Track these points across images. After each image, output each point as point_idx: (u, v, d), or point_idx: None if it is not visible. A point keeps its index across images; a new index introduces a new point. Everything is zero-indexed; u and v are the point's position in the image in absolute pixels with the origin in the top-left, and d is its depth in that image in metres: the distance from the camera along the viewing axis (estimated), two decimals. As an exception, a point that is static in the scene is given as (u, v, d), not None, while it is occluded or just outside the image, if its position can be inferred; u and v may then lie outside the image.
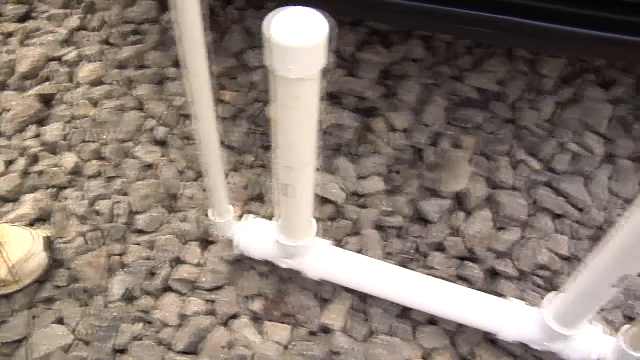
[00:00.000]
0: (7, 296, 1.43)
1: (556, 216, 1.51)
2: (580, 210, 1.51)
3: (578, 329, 1.16)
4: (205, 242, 1.50)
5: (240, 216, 1.40)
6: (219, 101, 1.72)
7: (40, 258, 1.43)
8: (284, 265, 1.33)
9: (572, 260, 1.44)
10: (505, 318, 1.24)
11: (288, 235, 1.23)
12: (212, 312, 1.40)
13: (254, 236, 1.33)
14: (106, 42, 1.94)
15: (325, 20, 0.82)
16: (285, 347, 1.35)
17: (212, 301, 1.41)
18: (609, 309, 1.40)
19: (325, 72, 1.64)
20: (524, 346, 1.31)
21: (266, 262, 1.39)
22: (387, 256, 1.45)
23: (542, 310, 1.18)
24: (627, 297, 1.41)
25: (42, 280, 1.45)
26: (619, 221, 0.91)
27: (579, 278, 1.06)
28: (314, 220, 1.26)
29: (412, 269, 1.41)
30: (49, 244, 1.47)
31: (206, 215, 1.48)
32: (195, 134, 1.11)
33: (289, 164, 1.02)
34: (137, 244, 1.50)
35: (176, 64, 1.81)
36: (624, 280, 0.97)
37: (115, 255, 1.48)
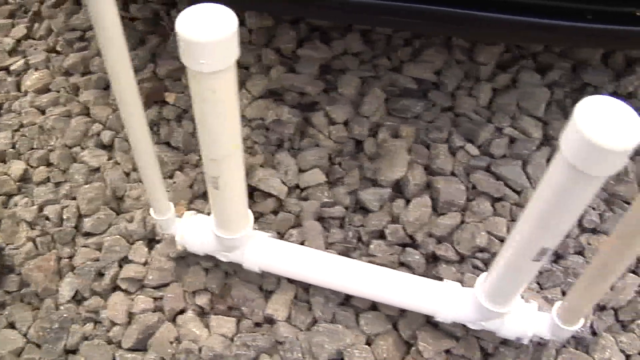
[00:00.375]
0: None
1: (495, 199, 1.54)
2: (519, 192, 1.55)
3: (510, 306, 1.20)
4: (152, 241, 1.52)
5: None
6: (163, 103, 1.74)
7: None
8: (224, 259, 1.36)
9: (510, 241, 1.47)
10: (441, 300, 1.27)
11: (224, 228, 1.26)
12: (159, 309, 1.43)
13: (195, 232, 1.36)
14: (53, 50, 1.96)
15: (233, 15, 0.85)
16: (231, 340, 1.38)
17: (160, 298, 1.44)
18: (548, 288, 1.44)
19: (266, 70, 1.68)
20: (465, 328, 1.35)
21: (210, 258, 1.41)
22: (330, 246, 1.48)
23: (475, 290, 1.22)
24: (565, 275, 1.45)
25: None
26: (532, 196, 0.95)
27: (503, 255, 1.09)
28: (250, 213, 1.29)
29: (355, 258, 1.45)
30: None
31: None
32: (128, 137, 1.14)
33: (214, 157, 1.05)
34: (85, 247, 1.52)
35: (121, 68, 1.83)
36: (543, 254, 1.00)
37: (64, 258, 1.51)
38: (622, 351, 1.38)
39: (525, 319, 1.25)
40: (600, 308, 1.42)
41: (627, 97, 1.77)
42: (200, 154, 1.61)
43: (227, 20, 0.84)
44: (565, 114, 1.69)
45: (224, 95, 0.93)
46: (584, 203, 0.87)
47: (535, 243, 0.99)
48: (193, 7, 0.86)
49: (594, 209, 1.54)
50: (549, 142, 1.63)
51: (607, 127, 0.74)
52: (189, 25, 0.83)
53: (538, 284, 1.45)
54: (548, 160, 1.59)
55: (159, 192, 1.26)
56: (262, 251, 1.33)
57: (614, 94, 1.77)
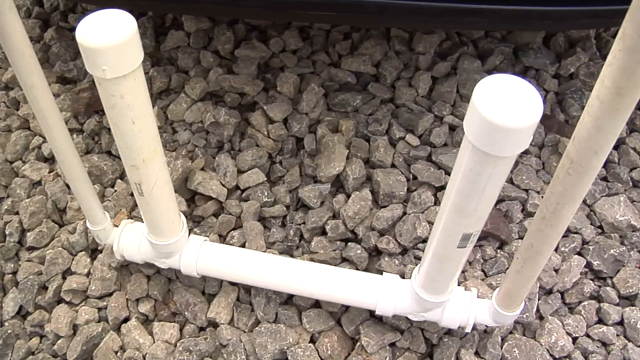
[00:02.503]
0: None
1: (437, 189, 1.54)
2: (460, 180, 1.55)
3: (447, 295, 1.20)
4: (94, 251, 1.52)
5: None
6: (103, 112, 1.73)
7: None
8: (163, 266, 1.35)
9: (452, 230, 1.47)
10: (380, 294, 1.27)
11: (156, 235, 1.25)
12: (103, 319, 1.43)
13: (131, 240, 1.35)
14: (-8, 64, 1.96)
15: (132, 19, 0.85)
16: (175, 345, 1.38)
17: (103, 308, 1.44)
18: (493, 274, 1.44)
19: (204, 73, 1.67)
20: (409, 321, 1.35)
21: (151, 265, 1.41)
22: (271, 246, 1.48)
23: (412, 281, 1.22)
24: (510, 261, 1.45)
25: None
26: (448, 184, 0.95)
27: (430, 245, 1.09)
28: (182, 217, 1.29)
29: (297, 256, 1.45)
30: None
31: (93, 225, 1.51)
32: (51, 148, 1.14)
33: (132, 163, 1.04)
34: (29, 261, 1.52)
35: (60, 80, 1.83)
36: (467, 239, 1.00)
37: (8, 274, 1.50)
38: (569, 334, 1.39)
39: (465, 307, 1.25)
40: (547, 292, 1.43)
41: (570, 78, 1.77)
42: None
43: (125, 24, 0.84)
44: (507, 98, 1.69)
45: (133, 99, 0.93)
46: (497, 185, 0.88)
47: (456, 230, 0.99)
48: (93, 13, 0.86)
49: (537, 192, 1.55)
50: (491, 127, 1.63)
51: (506, 106, 0.74)
52: (88, 31, 0.83)
53: (483, 271, 1.46)
54: (489, 146, 1.59)
55: (92, 203, 1.26)
56: (198, 255, 1.33)
57: (556, 75, 1.77)
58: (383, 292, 1.27)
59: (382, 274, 1.33)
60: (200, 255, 1.33)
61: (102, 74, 0.86)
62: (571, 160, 0.81)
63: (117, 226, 1.38)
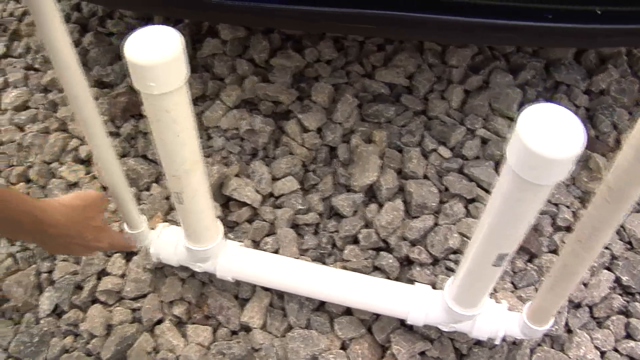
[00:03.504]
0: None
1: (468, 201, 1.56)
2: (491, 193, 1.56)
3: (478, 309, 1.21)
4: (129, 253, 1.54)
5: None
6: (140, 116, 1.76)
7: None
8: (198, 270, 1.38)
9: (483, 242, 1.49)
10: (412, 303, 1.28)
11: (193, 240, 1.28)
12: (137, 320, 1.45)
13: (167, 244, 1.37)
14: (31, 67, 1.99)
15: (179, 36, 0.87)
16: (208, 348, 1.40)
17: (137, 309, 1.46)
18: (523, 287, 1.46)
19: (239, 80, 1.70)
20: (439, 330, 1.36)
21: (186, 268, 1.43)
22: (304, 253, 1.50)
23: (444, 293, 1.23)
24: (539, 274, 1.46)
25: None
26: (487, 204, 0.97)
27: (465, 260, 1.11)
28: (219, 223, 1.31)
29: (329, 264, 1.47)
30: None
31: (128, 227, 1.53)
32: (93, 154, 1.16)
33: (174, 173, 1.06)
34: (64, 261, 1.54)
35: (98, 84, 1.86)
36: (502, 259, 1.02)
37: (44, 273, 1.53)
38: (597, 348, 1.40)
39: (495, 320, 1.26)
40: (575, 305, 1.44)
41: (600, 95, 1.78)
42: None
43: (173, 41, 0.86)
44: (538, 113, 1.70)
45: (178, 114, 0.95)
46: (535, 210, 0.89)
47: (492, 250, 1.00)
48: (141, 30, 0.88)
49: (567, 207, 1.56)
50: (522, 142, 1.65)
51: (549, 136, 0.75)
52: (136, 48, 0.85)
53: (512, 283, 1.47)
54: (521, 160, 1.61)
55: (130, 206, 1.28)
56: (234, 261, 1.35)
57: (587, 92, 1.78)
58: (415, 302, 1.28)
59: (413, 283, 1.35)
60: (236, 261, 1.35)
61: (149, 90, 0.89)
62: (610, 189, 0.82)
63: (153, 229, 1.40)
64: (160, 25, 0.89)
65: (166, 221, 1.56)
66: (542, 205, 0.88)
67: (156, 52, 0.85)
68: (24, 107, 1.87)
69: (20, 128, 1.82)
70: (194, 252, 1.30)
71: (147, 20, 1.98)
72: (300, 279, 1.35)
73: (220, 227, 1.31)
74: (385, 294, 1.31)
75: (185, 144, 1.02)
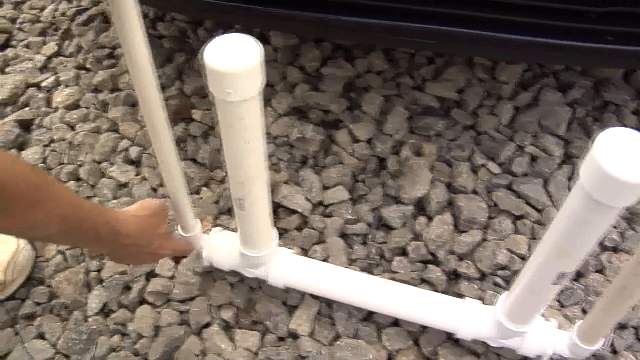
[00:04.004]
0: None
1: (516, 217, 1.56)
2: (540, 211, 1.56)
3: (530, 326, 1.22)
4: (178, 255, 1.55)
5: (211, 230, 1.46)
6: (190, 119, 1.78)
7: (26, 251, 1.54)
8: (249, 275, 1.39)
9: (531, 259, 1.49)
10: (462, 318, 1.29)
11: (249, 246, 1.29)
12: (185, 322, 1.46)
13: (221, 248, 1.39)
14: (82, 67, 2.01)
15: (258, 45, 0.88)
16: (255, 354, 1.40)
17: (185, 312, 1.47)
18: (569, 305, 1.45)
19: (291, 88, 1.71)
20: (485, 345, 1.36)
21: (235, 273, 1.44)
22: (352, 262, 1.51)
23: (496, 309, 1.24)
24: (586, 293, 1.46)
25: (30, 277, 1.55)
26: (551, 222, 0.97)
27: (523, 277, 1.11)
28: (274, 231, 1.32)
29: (377, 274, 1.47)
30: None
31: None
32: (155, 155, 1.18)
33: (240, 180, 1.08)
34: (113, 260, 1.55)
35: (149, 85, 1.87)
36: (562, 277, 1.02)
37: (93, 271, 1.54)
38: (642, 369, 1.40)
39: (545, 338, 1.26)
40: (621, 326, 1.43)
41: (648, 116, 1.78)
42: (226, 171, 1.65)
43: (252, 50, 0.87)
44: (587, 132, 1.71)
45: (250, 121, 0.96)
46: (602, 231, 0.89)
47: (553, 268, 1.00)
48: (220, 37, 0.89)
49: (615, 227, 1.56)
50: (570, 160, 1.65)
51: (625, 159, 0.75)
52: (216, 55, 0.86)
53: (558, 301, 1.46)
54: (569, 178, 1.61)
55: (186, 210, 1.29)
56: (286, 268, 1.36)
57: (636, 112, 1.78)
58: (466, 317, 1.29)
59: (461, 297, 1.35)
60: (288, 268, 1.36)
61: (226, 97, 0.90)
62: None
63: (206, 233, 1.42)
64: (240, 34, 0.90)
65: (215, 225, 1.57)
66: (609, 225, 0.88)
67: (237, 60, 0.86)
68: (75, 106, 1.89)
69: (71, 127, 1.83)
70: (249, 258, 1.31)
71: (197, 25, 2.00)
72: (352, 288, 1.35)
73: (275, 235, 1.32)
74: (435, 307, 1.32)
75: (253, 151, 1.03)
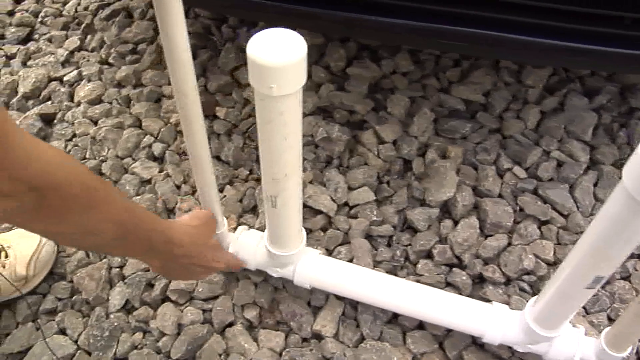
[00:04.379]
0: (12, 307, 1.49)
1: (542, 223, 1.55)
2: (566, 216, 1.55)
3: (559, 331, 1.20)
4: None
5: (235, 228, 1.45)
6: (214, 117, 1.77)
7: (49, 246, 1.54)
8: (275, 275, 1.38)
9: (557, 265, 1.47)
10: (489, 322, 1.28)
11: (278, 245, 1.28)
12: (208, 321, 1.45)
13: (248, 247, 1.37)
14: (105, 62, 2.00)
15: (303, 40, 0.87)
16: (279, 354, 1.39)
17: (208, 310, 1.46)
18: (594, 312, 1.44)
19: (316, 87, 1.70)
20: (511, 349, 1.35)
21: (259, 272, 1.44)
22: (377, 264, 1.50)
23: (524, 313, 1.22)
24: (611, 300, 1.45)
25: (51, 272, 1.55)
26: (589, 225, 0.96)
27: (556, 281, 1.10)
28: (303, 230, 1.31)
29: (402, 277, 1.46)
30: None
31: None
32: (188, 152, 1.17)
33: (275, 177, 1.06)
34: (136, 257, 1.55)
35: (172, 82, 1.87)
36: (598, 282, 1.01)
37: (115, 268, 1.53)
38: (667, 377, 1.39)
39: (572, 344, 1.25)
40: (646, 334, 1.42)
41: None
42: (249, 169, 1.64)
43: (297, 44, 0.86)
44: (613, 138, 1.69)
45: (290, 117, 0.95)
46: (643, 233, 0.88)
47: (590, 272, 0.99)
48: (264, 31, 0.88)
49: (640, 234, 1.54)
50: (596, 166, 1.64)
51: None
52: (261, 49, 0.85)
53: (584, 308, 1.45)
54: (595, 184, 1.60)
55: (215, 207, 1.28)
56: (313, 268, 1.35)
57: (661, 119, 1.77)
58: (493, 321, 1.27)
59: (486, 302, 1.34)
60: (315, 268, 1.35)
61: (268, 92, 0.88)
62: None
63: (232, 231, 1.41)
64: (284, 29, 0.88)
65: (240, 224, 1.57)
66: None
67: (282, 54, 0.84)
68: (97, 100, 1.88)
69: (94, 122, 1.83)
70: (277, 257, 1.30)
71: (221, 22, 1.99)
72: (379, 289, 1.34)
73: (303, 234, 1.31)
74: (462, 311, 1.31)
75: (291, 147, 1.01)
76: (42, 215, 0.75)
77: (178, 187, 1.65)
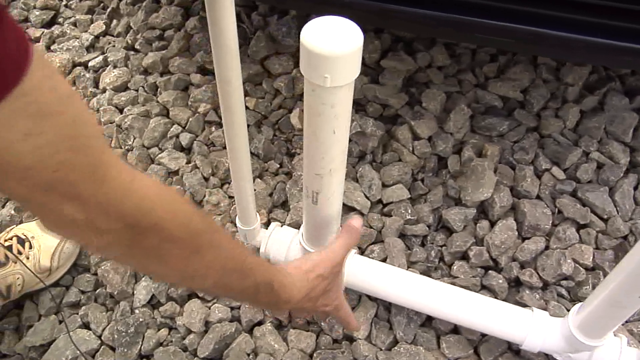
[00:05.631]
0: (35, 298, 1.46)
1: (581, 226, 1.50)
2: (605, 220, 1.51)
3: (601, 340, 1.16)
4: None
5: (266, 223, 1.41)
6: (243, 108, 1.73)
7: None
8: (308, 274, 1.34)
9: (596, 270, 1.43)
10: (530, 328, 1.23)
11: (314, 244, 1.24)
12: (236, 319, 1.41)
13: (280, 244, 1.34)
14: (131, 47, 1.96)
15: (359, 30, 0.82)
16: (310, 356, 1.35)
17: (237, 308, 1.42)
18: (634, 321, 1.40)
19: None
20: (548, 357, 1.31)
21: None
22: (412, 265, 1.45)
23: (568, 321, 1.18)
24: (651, 308, 1.41)
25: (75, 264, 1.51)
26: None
27: (606, 288, 1.05)
28: (341, 228, 1.27)
29: (436, 278, 1.42)
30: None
31: (231, 222, 1.49)
32: (226, 142, 1.13)
33: (319, 172, 1.02)
34: (162, 250, 1.51)
35: (201, 70, 1.83)
36: (653, 291, 0.97)
37: (140, 261, 1.49)
38: None
39: (614, 353, 1.21)
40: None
41: None
42: (279, 163, 1.60)
43: (354, 34, 0.81)
44: (653, 140, 1.65)
45: (341, 110, 0.91)
46: None
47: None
48: (318, 18, 0.83)
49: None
50: (636, 169, 1.59)
51: None
52: (316, 37, 0.80)
53: (623, 316, 1.41)
54: (635, 187, 1.55)
55: (249, 201, 1.25)
56: (348, 268, 1.31)
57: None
58: (534, 328, 1.23)
59: (523, 306, 1.30)
60: (349, 268, 1.31)
61: (321, 82, 0.84)
62: None
63: (265, 228, 1.37)
64: (340, 17, 0.84)
65: (269, 219, 1.53)
66: None
67: (339, 44, 0.79)
68: (123, 87, 1.84)
69: (120, 109, 1.79)
70: (311, 256, 1.26)
71: (252, 9, 1.94)
72: (414, 291, 1.30)
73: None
74: (501, 316, 1.26)
75: (339, 141, 0.97)
76: (137, 254, 0.69)
77: (206, 179, 1.61)
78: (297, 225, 1.39)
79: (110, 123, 1.75)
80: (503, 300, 1.40)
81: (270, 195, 1.57)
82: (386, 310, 1.40)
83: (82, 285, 1.48)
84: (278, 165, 1.62)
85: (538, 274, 1.42)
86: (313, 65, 0.82)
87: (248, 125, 1.61)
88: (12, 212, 1.59)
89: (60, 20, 2.11)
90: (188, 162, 1.64)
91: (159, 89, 1.81)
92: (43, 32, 2.04)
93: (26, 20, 2.10)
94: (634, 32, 1.26)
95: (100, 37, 2.01)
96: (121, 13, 2.06)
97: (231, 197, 1.55)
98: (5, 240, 1.43)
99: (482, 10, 1.31)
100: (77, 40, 1.99)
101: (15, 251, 1.41)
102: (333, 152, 0.99)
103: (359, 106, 1.70)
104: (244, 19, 1.90)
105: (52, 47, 1.99)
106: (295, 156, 1.63)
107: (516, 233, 1.47)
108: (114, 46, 1.97)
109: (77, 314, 1.45)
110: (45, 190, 0.55)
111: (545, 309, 1.37)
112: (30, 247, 1.43)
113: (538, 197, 1.53)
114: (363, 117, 1.62)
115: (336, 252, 1.07)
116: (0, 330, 1.43)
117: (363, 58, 1.71)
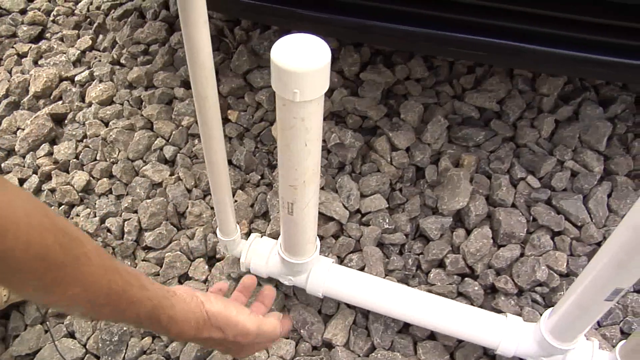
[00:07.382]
0: (21, 309, 1.48)
1: (555, 233, 1.53)
2: (579, 227, 1.54)
3: (572, 343, 1.19)
4: (212, 258, 1.54)
5: (247, 234, 1.44)
6: (226, 120, 1.76)
7: None
8: (287, 283, 1.36)
9: (570, 277, 1.46)
10: (503, 334, 1.26)
11: (292, 253, 1.27)
12: (218, 328, 1.44)
13: (261, 254, 1.37)
14: (117, 62, 1.99)
15: (327, 45, 0.85)
16: (290, 363, 1.39)
17: (219, 317, 1.45)
18: (607, 325, 1.43)
19: (329, 92, 1.68)
20: (522, 362, 1.35)
21: (270, 279, 1.42)
22: (389, 273, 1.48)
23: (540, 326, 1.21)
24: (624, 313, 1.44)
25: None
26: (610, 236, 0.95)
27: (573, 293, 1.08)
28: (317, 239, 1.30)
29: (414, 286, 1.45)
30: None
31: (213, 232, 1.52)
32: (204, 156, 1.16)
33: (293, 183, 1.05)
34: (146, 261, 1.54)
35: (184, 84, 1.86)
36: (617, 294, 1.00)
37: (124, 271, 1.52)
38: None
39: (586, 357, 1.24)
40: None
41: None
42: (260, 174, 1.63)
43: (322, 51, 0.85)
44: (627, 148, 1.68)
45: (312, 123, 0.94)
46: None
47: (610, 283, 0.98)
48: (288, 36, 0.87)
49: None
50: (610, 176, 1.62)
51: None
52: (285, 53, 0.84)
53: (597, 321, 1.44)
54: (609, 195, 1.58)
55: (229, 212, 1.28)
56: (327, 277, 1.34)
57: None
58: (507, 333, 1.26)
59: (498, 313, 1.33)
60: (328, 277, 1.34)
61: (291, 97, 0.87)
62: None
63: (244, 239, 1.40)
64: (308, 34, 0.87)
65: (250, 230, 1.56)
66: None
67: (306, 60, 0.83)
68: (109, 101, 1.88)
69: (105, 123, 1.82)
70: (290, 265, 1.29)
71: (234, 24, 1.97)
72: (391, 299, 1.33)
73: (317, 242, 1.30)
74: (476, 322, 1.29)
75: (310, 153, 1.00)
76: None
77: (189, 191, 1.64)
78: (277, 235, 1.43)
79: (96, 136, 1.78)
80: (479, 306, 1.43)
81: (252, 206, 1.60)
82: (364, 318, 1.43)
83: (67, 296, 1.50)
84: (259, 177, 1.65)
85: (513, 280, 1.45)
86: (283, 81, 0.86)
87: (230, 138, 1.65)
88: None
89: (48, 35, 2.14)
90: (171, 174, 1.68)
91: (143, 103, 1.85)
92: (30, 47, 2.08)
93: (14, 35, 2.14)
94: (608, 45, 1.30)
95: (87, 52, 2.05)
96: (107, 28, 2.09)
97: (213, 209, 1.58)
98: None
99: (458, 25, 1.34)
100: (64, 55, 2.03)
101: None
102: (306, 164, 1.02)
103: (338, 118, 1.73)
104: (227, 34, 1.94)
105: (39, 62, 2.02)
106: (276, 168, 1.66)
107: (492, 241, 1.50)
108: (99, 61, 2.00)
109: (63, 323, 1.47)
110: None
111: (520, 315, 1.40)
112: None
113: (513, 205, 1.57)
114: (342, 129, 1.66)
115: (251, 329, 0.99)
116: (-13, 341, 1.46)
117: (343, 71, 1.76)
